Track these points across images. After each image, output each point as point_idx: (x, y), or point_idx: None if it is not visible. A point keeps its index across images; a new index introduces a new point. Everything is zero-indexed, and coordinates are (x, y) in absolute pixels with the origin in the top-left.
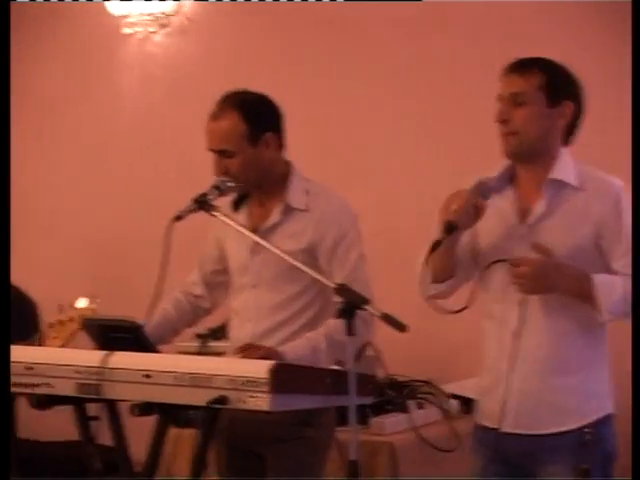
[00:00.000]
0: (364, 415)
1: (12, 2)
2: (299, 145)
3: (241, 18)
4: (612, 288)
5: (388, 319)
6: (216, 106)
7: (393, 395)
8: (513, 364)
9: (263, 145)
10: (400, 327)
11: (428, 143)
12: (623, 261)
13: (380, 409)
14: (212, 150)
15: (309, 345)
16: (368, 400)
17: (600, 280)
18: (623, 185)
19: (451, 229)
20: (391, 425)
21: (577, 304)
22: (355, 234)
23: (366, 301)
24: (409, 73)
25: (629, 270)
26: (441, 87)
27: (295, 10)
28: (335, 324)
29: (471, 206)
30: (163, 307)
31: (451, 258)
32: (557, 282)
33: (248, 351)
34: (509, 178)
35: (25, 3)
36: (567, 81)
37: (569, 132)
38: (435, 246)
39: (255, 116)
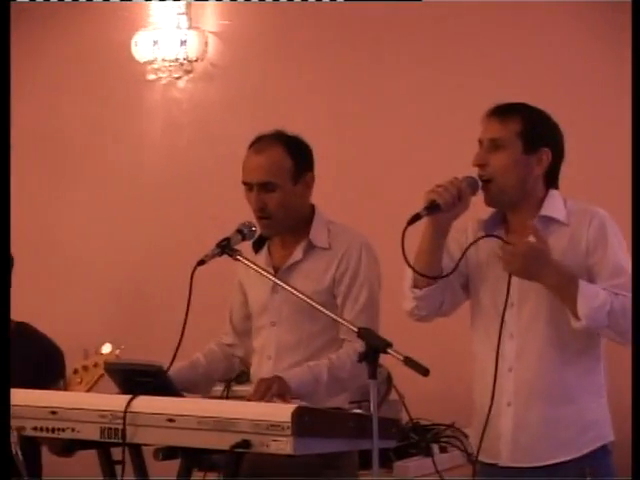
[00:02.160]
0: (387, 459)
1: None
2: (328, 186)
3: (264, 63)
4: (595, 295)
5: (410, 363)
6: (257, 142)
7: (416, 439)
8: (509, 397)
9: (303, 184)
10: (422, 371)
11: None
12: (608, 283)
13: (403, 453)
14: (250, 184)
15: (311, 374)
16: (391, 444)
17: (585, 284)
18: (606, 214)
19: (432, 207)
20: (415, 469)
21: (572, 335)
22: (370, 274)
23: (388, 344)
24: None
25: (617, 290)
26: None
27: (319, 51)
28: (339, 359)
29: (456, 189)
30: (195, 356)
31: (433, 256)
32: (543, 270)
33: (263, 386)
34: (500, 220)
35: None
36: (545, 128)
37: (552, 177)
38: (413, 219)
39: (299, 154)
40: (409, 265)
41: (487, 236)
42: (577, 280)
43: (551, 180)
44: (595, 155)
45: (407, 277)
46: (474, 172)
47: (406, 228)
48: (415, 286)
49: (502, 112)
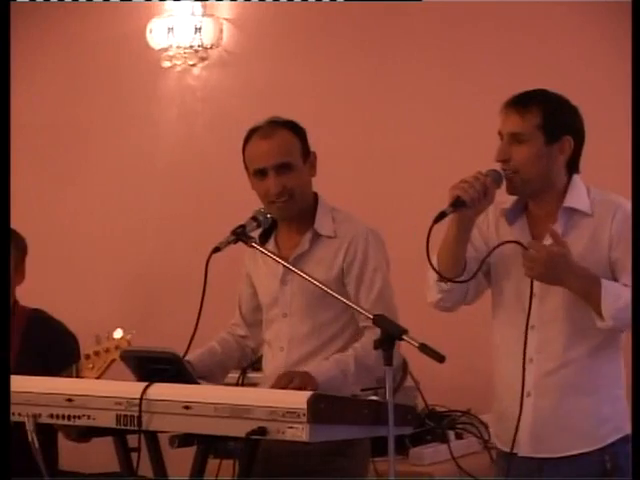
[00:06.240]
0: (403, 445)
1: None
2: (337, 175)
3: (279, 50)
4: (619, 295)
5: (426, 350)
6: (258, 130)
7: (432, 425)
8: (529, 388)
9: (309, 164)
10: (438, 357)
11: None
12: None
13: (419, 439)
14: (265, 169)
15: (338, 368)
16: (407, 430)
17: (608, 284)
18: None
19: (457, 203)
20: (430, 455)
21: (593, 326)
22: (379, 260)
23: (404, 331)
24: (448, 94)
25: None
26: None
27: (333, 40)
28: (363, 347)
29: (480, 185)
30: (211, 344)
31: (458, 251)
32: (565, 275)
33: (284, 380)
34: (522, 208)
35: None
36: (565, 115)
37: (574, 163)
38: (439, 217)
39: (302, 134)
40: (433, 268)
41: (508, 242)
42: (599, 281)
43: (573, 166)
44: (599, 156)
45: (431, 270)
46: (495, 165)
47: (432, 227)
48: (440, 280)
49: (520, 104)
